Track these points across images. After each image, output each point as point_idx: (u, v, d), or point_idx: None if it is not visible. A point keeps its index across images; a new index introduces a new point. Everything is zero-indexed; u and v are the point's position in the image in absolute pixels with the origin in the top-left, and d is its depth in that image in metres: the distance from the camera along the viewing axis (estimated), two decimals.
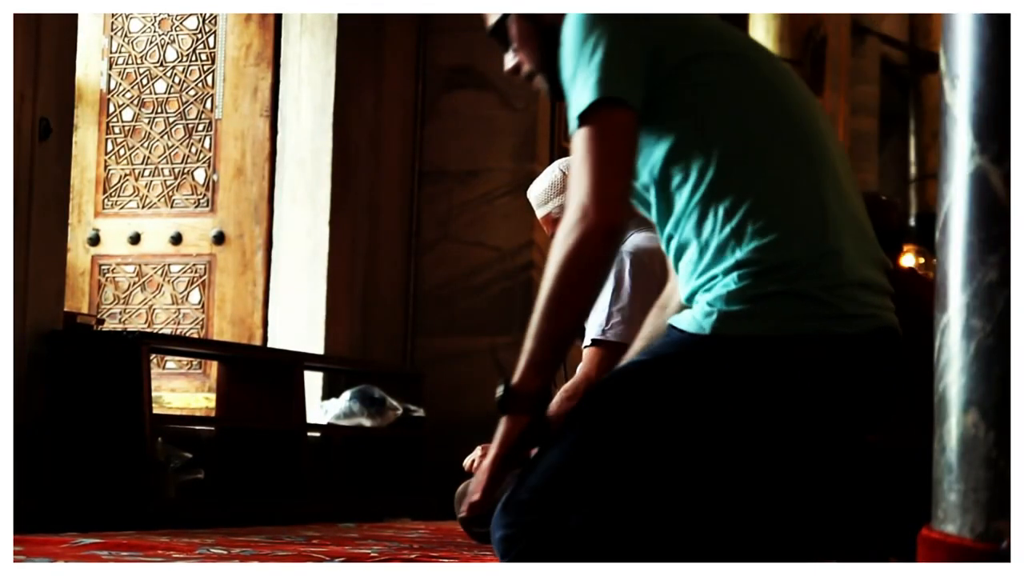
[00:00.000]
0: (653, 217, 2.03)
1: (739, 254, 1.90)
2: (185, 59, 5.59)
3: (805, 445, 1.95)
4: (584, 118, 1.91)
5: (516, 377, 1.94)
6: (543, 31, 2.10)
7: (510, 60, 2.16)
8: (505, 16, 2.13)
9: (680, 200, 1.96)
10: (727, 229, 1.91)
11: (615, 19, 1.96)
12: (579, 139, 1.92)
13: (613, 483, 1.93)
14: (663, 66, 1.95)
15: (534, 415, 1.96)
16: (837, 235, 1.93)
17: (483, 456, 3.39)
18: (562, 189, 3.42)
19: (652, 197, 2.01)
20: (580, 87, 1.92)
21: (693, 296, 1.96)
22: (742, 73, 2.01)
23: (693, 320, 1.92)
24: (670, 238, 2.00)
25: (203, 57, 5.57)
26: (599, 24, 1.95)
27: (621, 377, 2.00)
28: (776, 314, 1.88)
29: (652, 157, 1.98)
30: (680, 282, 2.02)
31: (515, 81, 2.16)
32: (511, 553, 1.95)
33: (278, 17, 5.57)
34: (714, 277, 1.91)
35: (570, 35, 1.97)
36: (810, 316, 1.88)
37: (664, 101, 1.96)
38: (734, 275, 1.90)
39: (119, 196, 5.59)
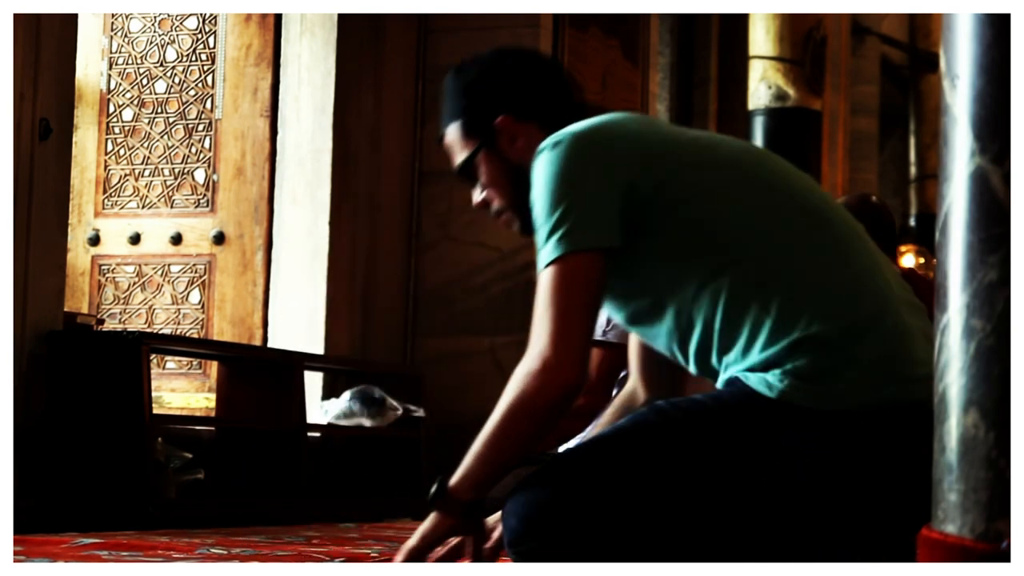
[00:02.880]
0: (659, 332, 2.04)
1: (795, 334, 1.90)
2: (185, 59, 5.59)
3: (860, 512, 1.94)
4: (552, 262, 1.95)
5: (453, 480, 1.99)
6: (512, 169, 2.14)
7: (478, 195, 2.20)
8: (473, 155, 2.18)
9: (702, 308, 1.96)
10: (771, 319, 1.92)
11: (585, 161, 1.98)
12: (545, 282, 1.95)
13: (638, 504, 1.94)
14: (640, 194, 1.97)
15: (461, 519, 2.00)
16: (882, 302, 1.95)
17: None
18: None
19: (661, 314, 2.01)
20: (548, 232, 1.96)
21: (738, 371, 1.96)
22: (731, 176, 2.02)
23: (761, 380, 1.91)
24: (685, 340, 2.00)
25: (203, 57, 5.57)
26: (569, 166, 1.98)
27: (682, 410, 1.99)
28: (840, 387, 1.89)
29: (655, 278, 2.00)
30: (714, 370, 2.01)
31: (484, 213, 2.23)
32: (519, 546, 1.97)
33: (278, 17, 5.57)
34: (772, 357, 1.91)
35: (540, 176, 2.00)
36: (871, 386, 1.89)
37: (655, 224, 1.98)
38: (796, 352, 1.89)
39: (119, 196, 5.59)
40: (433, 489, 2.01)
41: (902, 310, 1.97)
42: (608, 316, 3.33)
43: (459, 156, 2.21)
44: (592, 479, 1.95)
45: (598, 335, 3.35)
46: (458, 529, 2.02)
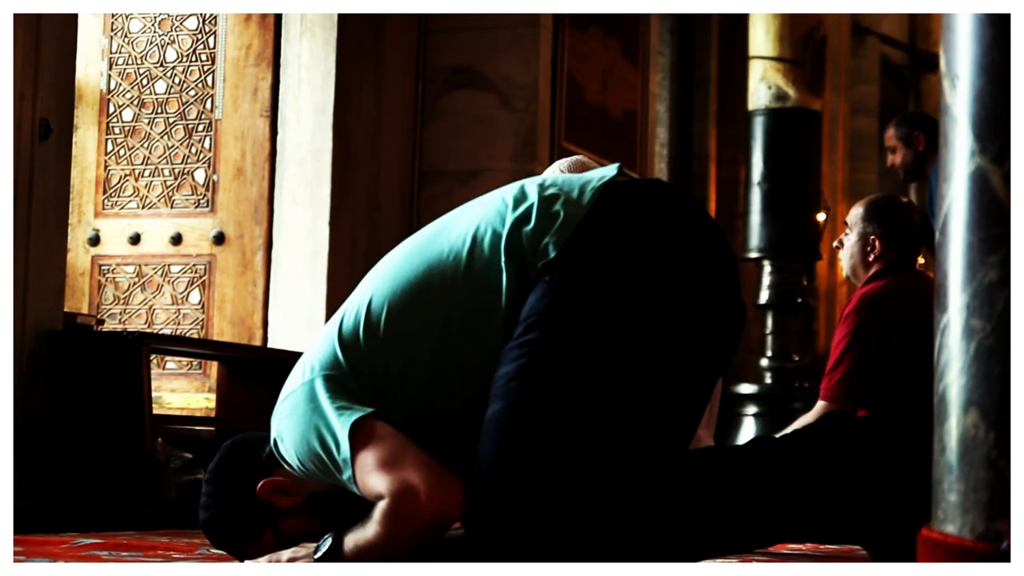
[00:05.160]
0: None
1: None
2: (185, 59, 5.59)
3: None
4: (351, 449, 2.08)
5: (346, 548, 2.10)
6: (307, 504, 2.24)
7: (300, 553, 2.25)
8: (278, 535, 2.27)
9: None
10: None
11: (299, 406, 2.17)
12: (359, 468, 2.08)
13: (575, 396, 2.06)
14: (355, 378, 2.18)
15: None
16: None
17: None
18: None
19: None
20: (329, 447, 2.10)
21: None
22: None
23: (540, 265, 2.12)
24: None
25: (203, 57, 5.57)
26: (296, 417, 2.16)
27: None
28: (565, 212, 2.16)
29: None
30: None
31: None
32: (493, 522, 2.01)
33: (278, 17, 5.57)
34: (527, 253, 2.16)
35: (290, 439, 2.16)
36: (577, 201, 2.17)
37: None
38: (524, 240, 2.16)
39: (119, 196, 5.59)
40: (327, 546, 2.11)
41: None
42: None
43: (274, 547, 2.27)
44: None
45: None
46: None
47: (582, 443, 2.02)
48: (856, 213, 4.02)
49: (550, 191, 2.20)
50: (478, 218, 2.22)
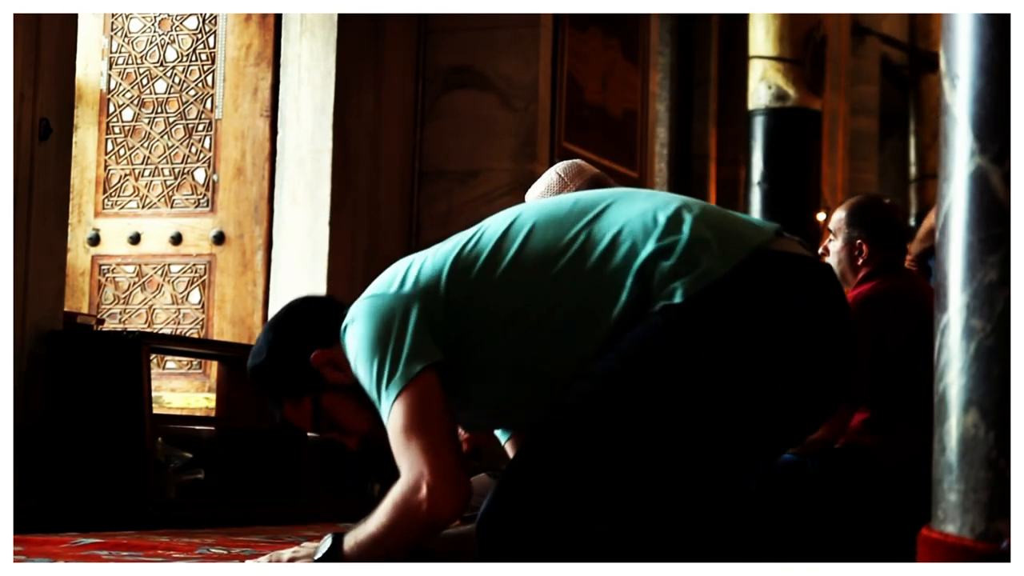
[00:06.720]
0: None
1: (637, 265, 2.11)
2: (185, 59, 5.59)
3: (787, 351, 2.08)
4: (395, 400, 2.08)
5: (345, 547, 2.11)
6: (353, 389, 2.22)
7: (352, 440, 2.29)
8: (317, 406, 2.27)
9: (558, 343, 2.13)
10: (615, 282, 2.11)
11: (382, 312, 2.16)
12: (396, 418, 2.08)
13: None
14: (438, 309, 2.15)
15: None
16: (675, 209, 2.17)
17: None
18: (558, 191, 3.41)
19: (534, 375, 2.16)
20: (380, 381, 2.11)
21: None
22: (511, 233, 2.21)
23: (661, 305, 2.07)
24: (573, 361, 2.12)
25: (203, 57, 5.57)
26: (372, 323, 2.15)
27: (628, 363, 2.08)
28: (707, 264, 2.08)
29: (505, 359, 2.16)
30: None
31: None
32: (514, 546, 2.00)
33: (278, 17, 5.57)
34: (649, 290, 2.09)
35: (353, 346, 2.15)
36: (722, 256, 2.09)
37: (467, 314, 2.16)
38: (658, 273, 2.09)
39: (119, 196, 5.59)
40: (327, 547, 2.13)
41: (695, 207, 2.18)
42: None
43: (309, 418, 2.28)
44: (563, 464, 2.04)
45: None
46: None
47: (594, 505, 2.01)
48: (839, 218, 4.00)
49: (701, 235, 2.12)
50: (626, 220, 2.16)
